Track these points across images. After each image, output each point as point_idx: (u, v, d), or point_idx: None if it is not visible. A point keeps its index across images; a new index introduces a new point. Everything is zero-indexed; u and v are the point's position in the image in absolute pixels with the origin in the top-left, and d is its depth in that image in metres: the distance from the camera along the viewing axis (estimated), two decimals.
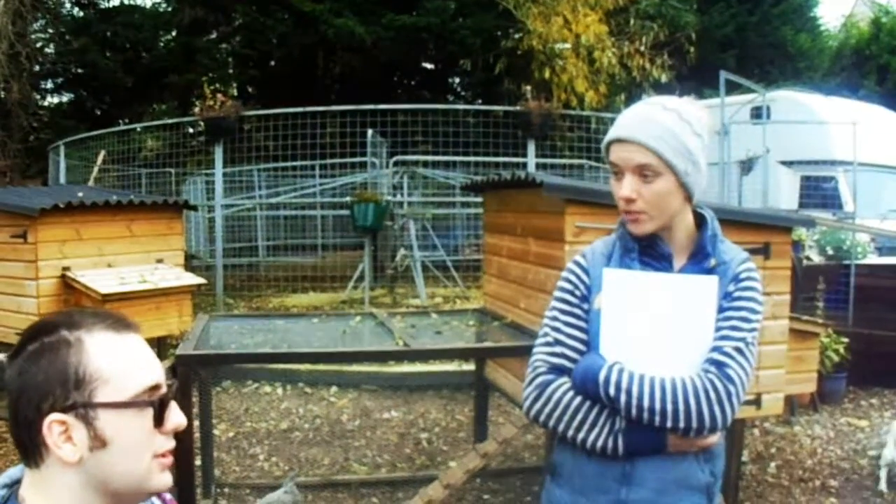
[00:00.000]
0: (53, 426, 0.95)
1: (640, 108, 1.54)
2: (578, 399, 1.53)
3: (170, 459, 1.03)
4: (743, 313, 1.53)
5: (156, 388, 1.01)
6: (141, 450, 0.99)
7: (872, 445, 4.81)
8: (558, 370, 1.57)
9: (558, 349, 1.57)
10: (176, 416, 1.03)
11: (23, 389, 0.97)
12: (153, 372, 1.01)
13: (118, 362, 0.98)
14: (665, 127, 1.48)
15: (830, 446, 4.82)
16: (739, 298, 1.54)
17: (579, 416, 1.52)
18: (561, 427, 1.54)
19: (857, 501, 4.04)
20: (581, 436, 1.51)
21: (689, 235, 1.58)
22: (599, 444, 1.50)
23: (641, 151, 1.47)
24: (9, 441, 4.72)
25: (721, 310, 1.53)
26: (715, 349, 1.50)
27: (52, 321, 1.01)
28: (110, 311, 1.06)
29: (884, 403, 5.73)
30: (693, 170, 1.50)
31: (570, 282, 1.62)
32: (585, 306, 1.59)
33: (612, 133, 1.53)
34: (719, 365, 1.48)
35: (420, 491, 3.37)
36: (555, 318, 1.60)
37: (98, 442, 0.96)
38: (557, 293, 1.64)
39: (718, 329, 1.52)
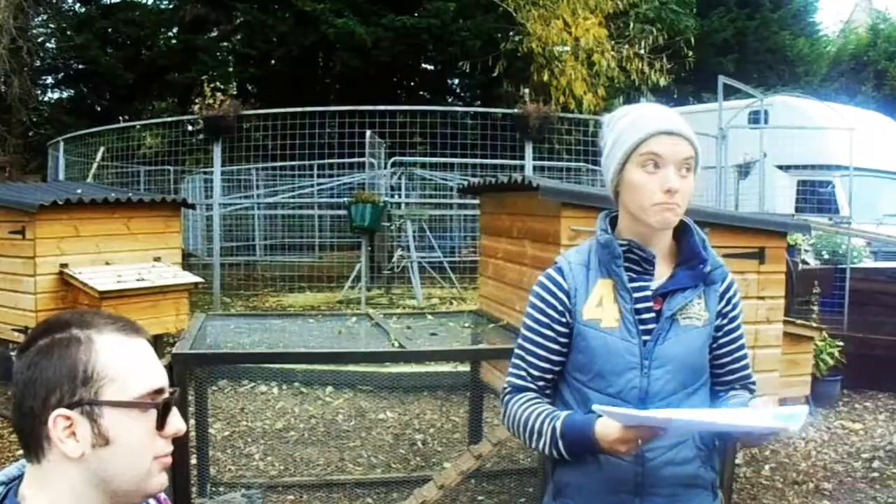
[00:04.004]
0: (58, 420, 0.97)
1: (665, 109, 1.59)
2: (527, 412, 1.57)
3: (168, 460, 1.05)
4: (742, 326, 1.64)
5: (160, 391, 1.03)
6: (142, 450, 1.01)
7: (866, 448, 4.83)
8: (519, 389, 1.62)
9: (522, 371, 1.62)
10: (177, 422, 1.05)
11: (31, 382, 0.98)
12: (158, 376, 1.04)
13: (126, 363, 1.01)
14: (689, 128, 1.54)
15: (824, 449, 4.84)
16: (739, 311, 1.62)
17: (529, 426, 1.55)
18: (524, 439, 1.58)
19: None
20: (534, 444, 1.55)
21: (669, 242, 1.60)
22: (547, 450, 1.53)
23: (688, 146, 1.51)
24: (5, 438, 4.73)
25: (722, 315, 1.59)
26: (746, 378, 1.65)
27: (64, 319, 1.03)
28: (120, 316, 1.08)
29: (878, 406, 5.76)
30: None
31: (542, 299, 1.61)
32: (563, 320, 1.58)
33: (661, 125, 1.51)
34: (751, 392, 1.64)
35: (414, 492, 3.39)
36: (524, 338, 1.63)
37: (101, 439, 0.98)
38: (529, 309, 1.63)
39: (736, 345, 1.62)
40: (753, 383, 1.66)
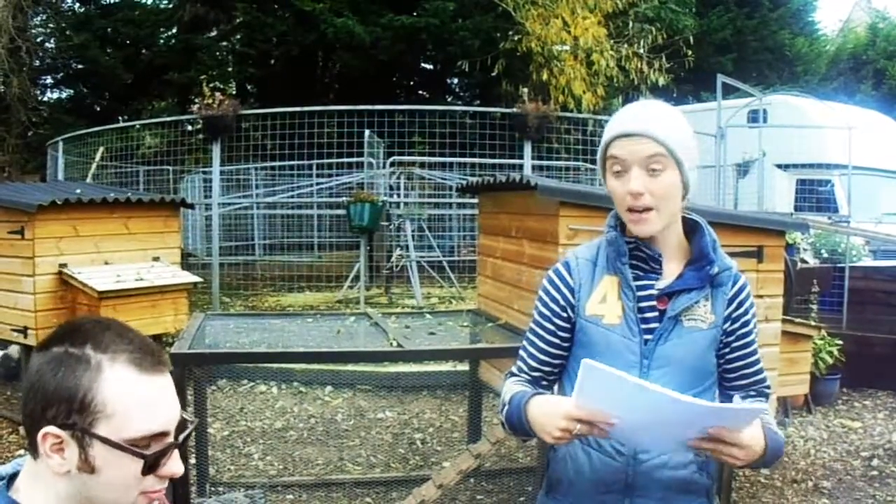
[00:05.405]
0: (48, 437, 0.96)
1: (640, 107, 1.54)
2: (505, 389, 1.61)
3: (159, 496, 1.02)
4: (755, 330, 1.60)
5: (163, 434, 1.00)
6: (126, 488, 0.99)
7: (865, 447, 4.84)
8: (515, 376, 1.65)
9: (521, 361, 1.65)
10: (174, 466, 1.02)
11: (34, 388, 0.98)
12: (162, 419, 1.00)
13: (128, 402, 0.97)
14: (669, 122, 1.49)
15: (823, 447, 4.84)
16: (752, 315, 1.58)
17: (501, 400, 1.60)
18: (499, 412, 1.62)
19: (849, 502, 4.06)
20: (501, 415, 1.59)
21: (679, 241, 1.57)
22: (503, 418, 1.57)
23: (652, 144, 1.46)
24: (4, 439, 4.73)
25: (733, 318, 1.55)
26: (760, 382, 1.60)
27: (86, 330, 1.00)
28: (144, 340, 1.03)
29: (877, 405, 5.76)
30: (693, 166, 1.51)
31: (547, 293, 1.62)
32: (565, 315, 1.58)
33: (617, 128, 1.50)
34: (767, 396, 1.62)
35: (414, 491, 3.39)
36: (529, 329, 1.65)
37: (87, 466, 0.97)
38: (536, 302, 1.64)
39: (748, 350, 1.58)
40: (768, 387, 1.63)
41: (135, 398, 0.97)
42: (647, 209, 1.48)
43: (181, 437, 1.02)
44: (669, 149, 1.46)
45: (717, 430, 1.34)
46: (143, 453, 0.98)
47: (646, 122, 1.48)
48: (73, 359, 0.97)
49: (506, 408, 1.55)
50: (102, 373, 0.97)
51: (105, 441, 0.96)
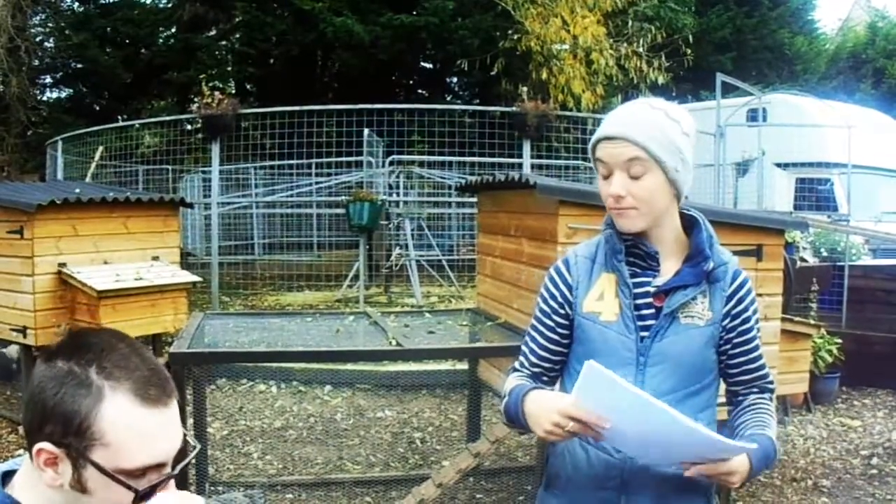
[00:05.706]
0: (42, 453, 0.96)
1: (626, 108, 1.54)
2: (507, 381, 1.64)
3: None
4: (757, 326, 1.60)
5: (159, 466, 0.99)
6: None
7: (865, 445, 4.84)
8: (517, 371, 1.67)
9: (523, 357, 1.67)
10: (168, 498, 1.00)
11: (34, 400, 0.97)
12: (158, 453, 0.99)
13: (124, 434, 0.96)
14: (653, 124, 1.48)
15: (823, 446, 4.85)
16: (753, 311, 1.58)
17: (503, 391, 1.63)
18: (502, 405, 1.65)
19: (848, 501, 4.07)
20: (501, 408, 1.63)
21: (677, 237, 1.57)
22: (502, 409, 1.62)
23: (630, 147, 1.46)
24: (4, 438, 4.73)
25: (733, 315, 1.55)
26: (762, 378, 1.62)
27: (93, 348, 0.98)
28: (151, 366, 1.00)
29: (876, 403, 5.77)
30: (682, 167, 1.49)
31: (547, 290, 1.64)
32: (563, 311, 1.60)
33: (600, 132, 1.52)
34: (770, 392, 1.64)
35: (413, 490, 3.39)
36: (531, 325, 1.68)
37: (79, 485, 0.96)
38: (537, 299, 1.67)
39: (750, 346, 1.59)
40: (771, 383, 1.63)
41: (132, 431, 0.96)
42: (629, 208, 1.50)
43: (177, 469, 1.01)
44: (650, 152, 1.46)
45: (705, 468, 1.40)
46: (135, 487, 0.96)
47: (625, 125, 1.48)
48: (75, 380, 0.95)
49: (506, 399, 1.58)
50: (103, 400, 0.95)
51: (98, 468, 0.95)
